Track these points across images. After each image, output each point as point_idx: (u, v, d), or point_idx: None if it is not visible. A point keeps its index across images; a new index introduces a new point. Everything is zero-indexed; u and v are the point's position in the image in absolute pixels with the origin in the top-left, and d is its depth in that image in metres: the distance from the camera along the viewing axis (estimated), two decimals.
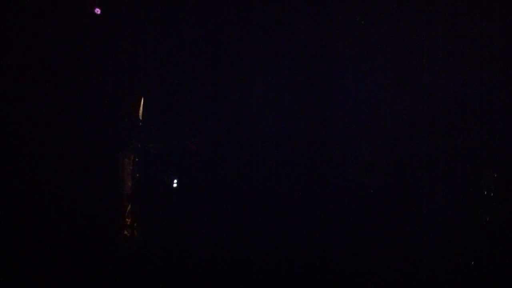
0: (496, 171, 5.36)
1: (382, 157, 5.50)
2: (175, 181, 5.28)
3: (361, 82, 5.66)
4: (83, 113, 5.14)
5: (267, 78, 5.62)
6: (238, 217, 5.24)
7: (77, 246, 4.92)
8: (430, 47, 5.59)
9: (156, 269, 5.01)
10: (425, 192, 5.38)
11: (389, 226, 5.29)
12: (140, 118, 5.27)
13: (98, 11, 5.03)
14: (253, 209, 5.30)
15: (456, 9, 5.51)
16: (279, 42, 5.63)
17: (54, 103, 5.11)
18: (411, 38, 5.59)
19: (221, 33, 5.57)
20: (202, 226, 5.21)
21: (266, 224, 5.24)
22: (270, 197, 5.32)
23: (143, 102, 5.31)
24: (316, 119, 5.59)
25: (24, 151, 5.01)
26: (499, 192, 5.33)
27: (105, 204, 5.05)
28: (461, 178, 5.46)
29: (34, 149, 5.01)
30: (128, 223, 5.10)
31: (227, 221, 5.22)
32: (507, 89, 5.44)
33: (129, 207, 5.12)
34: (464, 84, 5.58)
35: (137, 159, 5.19)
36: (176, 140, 5.33)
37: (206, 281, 5.03)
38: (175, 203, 5.24)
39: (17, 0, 5.02)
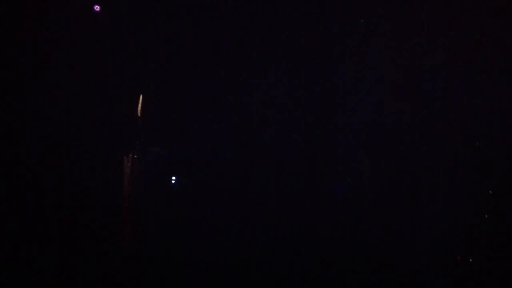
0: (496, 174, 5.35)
1: (382, 161, 5.48)
2: (175, 181, 5.26)
3: (362, 85, 5.67)
4: (86, 115, 5.09)
5: (268, 82, 5.58)
6: (239, 220, 5.21)
7: (78, 245, 4.87)
8: (430, 50, 5.60)
9: (156, 269, 4.97)
10: (425, 194, 5.37)
11: (389, 228, 5.28)
12: (142, 120, 5.23)
13: (97, 8, 4.97)
14: (253, 211, 5.28)
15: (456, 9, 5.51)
16: (280, 44, 5.60)
17: (56, 105, 5.06)
18: (411, 41, 5.58)
19: (223, 37, 5.54)
20: (202, 227, 5.18)
21: (266, 226, 5.22)
22: (271, 199, 5.31)
23: (145, 105, 5.26)
24: (316, 122, 5.57)
25: (26, 151, 4.96)
26: (498, 194, 5.33)
27: (106, 204, 5.01)
28: (461, 180, 5.48)
29: (36, 150, 4.96)
30: (129, 223, 5.07)
31: (228, 223, 5.19)
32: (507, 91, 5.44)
33: (129, 208, 5.08)
34: (465, 87, 5.58)
35: (138, 161, 5.15)
36: (178, 142, 5.30)
37: (206, 281, 5.00)
38: (175, 204, 5.21)
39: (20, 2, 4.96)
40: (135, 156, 5.15)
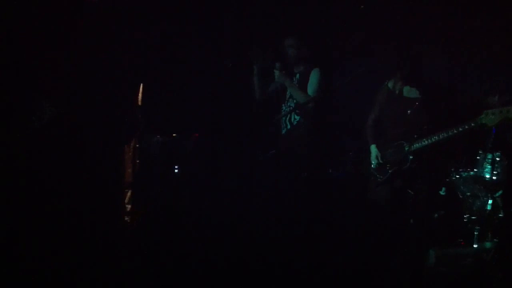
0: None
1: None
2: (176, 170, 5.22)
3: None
4: (87, 105, 5.10)
5: (267, 74, 5.57)
6: (238, 208, 5.12)
7: (78, 235, 4.77)
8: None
9: (155, 257, 4.84)
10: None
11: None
12: (143, 109, 5.22)
13: None
14: (253, 199, 5.20)
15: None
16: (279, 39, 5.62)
17: (57, 95, 5.07)
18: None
19: (222, 28, 5.59)
20: (201, 214, 5.09)
21: (269, 212, 5.12)
22: (274, 185, 5.23)
23: (146, 94, 5.26)
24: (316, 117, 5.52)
25: (26, 141, 4.95)
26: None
27: (107, 192, 4.94)
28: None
29: (37, 139, 4.95)
30: (129, 210, 4.99)
31: (227, 211, 5.10)
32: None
33: (129, 195, 5.01)
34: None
35: (139, 149, 5.12)
36: (179, 130, 5.29)
37: (204, 269, 4.85)
38: (175, 192, 5.14)
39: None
40: (137, 145, 5.11)
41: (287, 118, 5.36)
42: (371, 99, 5.35)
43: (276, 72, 5.26)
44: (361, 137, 5.48)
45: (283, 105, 5.42)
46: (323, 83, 5.27)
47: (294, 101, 5.30)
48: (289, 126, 5.34)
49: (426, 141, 4.92)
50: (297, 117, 5.31)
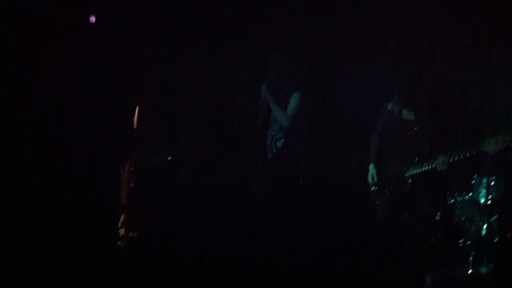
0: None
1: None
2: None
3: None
4: (85, 121, 5.12)
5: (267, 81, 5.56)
6: (237, 219, 5.11)
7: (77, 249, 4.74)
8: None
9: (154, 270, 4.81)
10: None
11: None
12: (140, 127, 5.22)
13: (92, 19, 5.07)
14: (251, 215, 5.18)
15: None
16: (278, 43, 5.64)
17: (56, 115, 5.11)
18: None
19: (220, 40, 5.61)
20: (198, 230, 5.07)
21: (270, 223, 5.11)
22: (274, 197, 5.21)
23: (144, 112, 5.27)
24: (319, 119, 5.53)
25: (27, 157, 4.98)
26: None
27: (104, 210, 4.95)
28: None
29: (38, 155, 4.97)
30: (125, 230, 4.97)
31: (225, 226, 5.07)
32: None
33: (126, 213, 5.00)
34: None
35: (136, 168, 5.11)
36: (175, 149, 5.29)
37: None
38: (173, 207, 5.12)
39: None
40: (132, 168, 5.10)
41: (273, 141, 5.38)
42: (367, 118, 5.39)
43: (263, 87, 5.30)
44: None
45: (268, 129, 5.45)
46: (301, 106, 5.31)
47: (278, 124, 5.34)
48: (274, 150, 5.36)
49: (425, 166, 4.89)
50: (281, 140, 5.33)
